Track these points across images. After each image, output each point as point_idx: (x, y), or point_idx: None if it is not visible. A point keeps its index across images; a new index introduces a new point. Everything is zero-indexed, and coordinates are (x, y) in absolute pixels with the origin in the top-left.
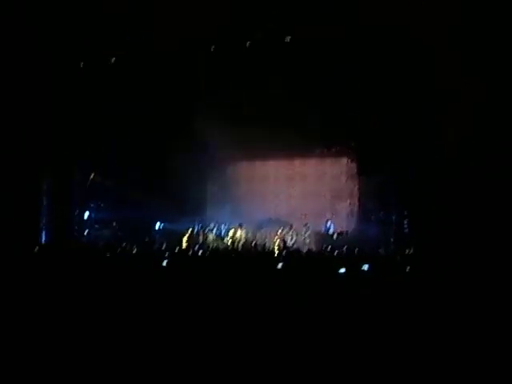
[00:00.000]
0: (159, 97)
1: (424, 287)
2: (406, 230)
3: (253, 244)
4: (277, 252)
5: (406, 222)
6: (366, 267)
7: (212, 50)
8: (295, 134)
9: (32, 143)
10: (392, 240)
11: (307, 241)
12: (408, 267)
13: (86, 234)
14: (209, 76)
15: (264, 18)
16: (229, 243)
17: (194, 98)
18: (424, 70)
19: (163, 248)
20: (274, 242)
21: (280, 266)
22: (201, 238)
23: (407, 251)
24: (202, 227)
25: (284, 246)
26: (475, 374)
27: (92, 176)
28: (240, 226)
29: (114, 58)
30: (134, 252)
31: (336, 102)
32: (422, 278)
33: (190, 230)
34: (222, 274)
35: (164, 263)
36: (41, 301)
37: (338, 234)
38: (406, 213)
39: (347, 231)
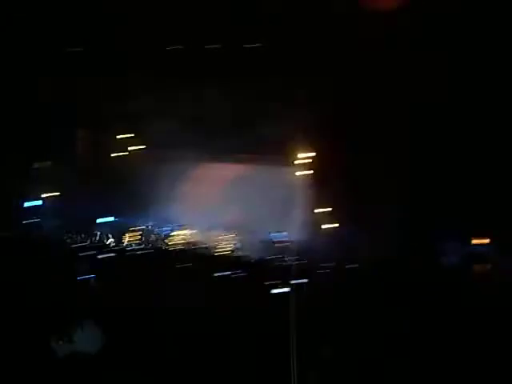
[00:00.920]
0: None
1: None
2: (353, 243)
3: (197, 246)
4: (220, 257)
5: (354, 235)
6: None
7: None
8: (255, 141)
9: None
10: (339, 253)
11: (252, 248)
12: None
13: (25, 224)
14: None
15: None
16: (172, 243)
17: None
18: None
19: (105, 243)
20: (219, 246)
21: (223, 271)
22: (145, 235)
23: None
24: (148, 225)
25: (228, 251)
26: None
27: (37, 165)
28: (185, 226)
29: None
30: (74, 245)
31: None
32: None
33: (136, 227)
34: (162, 274)
35: (103, 257)
36: None
37: (286, 244)
38: (356, 225)
39: (295, 241)
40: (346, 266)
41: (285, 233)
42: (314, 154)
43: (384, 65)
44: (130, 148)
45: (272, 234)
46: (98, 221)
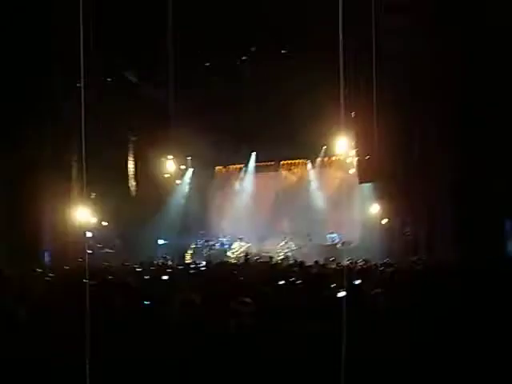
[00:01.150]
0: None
1: (431, 297)
2: (411, 238)
3: (255, 257)
4: (280, 265)
5: (409, 230)
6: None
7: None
8: (295, 146)
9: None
10: (398, 249)
11: (310, 252)
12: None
13: (88, 253)
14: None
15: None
16: (231, 257)
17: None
18: None
19: (167, 263)
20: (277, 255)
21: (284, 280)
22: (203, 252)
23: (414, 259)
24: (204, 242)
25: (287, 258)
26: None
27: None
28: (240, 239)
29: None
30: (137, 269)
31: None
32: (430, 286)
33: (193, 245)
34: (225, 289)
35: (167, 277)
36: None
37: (342, 245)
38: (409, 220)
39: (351, 241)
40: (407, 264)
41: (337, 235)
42: (362, 154)
43: None
44: (175, 167)
45: (328, 236)
46: (159, 243)
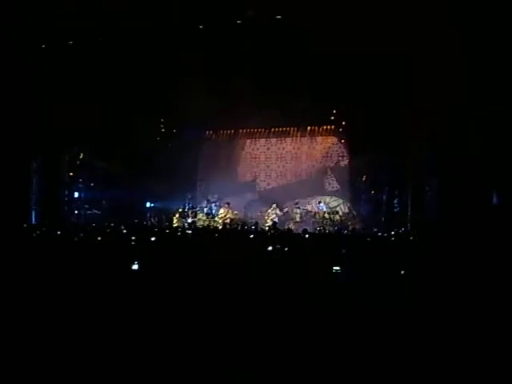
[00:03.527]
0: (145, 74)
1: (417, 268)
2: (397, 209)
3: (242, 223)
4: (267, 231)
5: (396, 202)
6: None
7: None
8: (285, 111)
9: (21, 122)
10: (383, 219)
11: (298, 219)
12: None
13: (75, 214)
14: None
15: None
16: (218, 222)
17: (180, 75)
18: None
19: (154, 226)
20: (264, 221)
21: (271, 247)
22: (190, 216)
23: (399, 230)
24: (191, 206)
25: (274, 225)
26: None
27: (81, 156)
28: (227, 204)
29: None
30: (124, 231)
31: (326, 82)
32: (414, 258)
33: (180, 208)
34: (211, 254)
35: (153, 239)
36: (28, 283)
37: (330, 214)
38: (396, 192)
39: (339, 210)
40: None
41: (325, 203)
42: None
43: None
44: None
45: (316, 205)
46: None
